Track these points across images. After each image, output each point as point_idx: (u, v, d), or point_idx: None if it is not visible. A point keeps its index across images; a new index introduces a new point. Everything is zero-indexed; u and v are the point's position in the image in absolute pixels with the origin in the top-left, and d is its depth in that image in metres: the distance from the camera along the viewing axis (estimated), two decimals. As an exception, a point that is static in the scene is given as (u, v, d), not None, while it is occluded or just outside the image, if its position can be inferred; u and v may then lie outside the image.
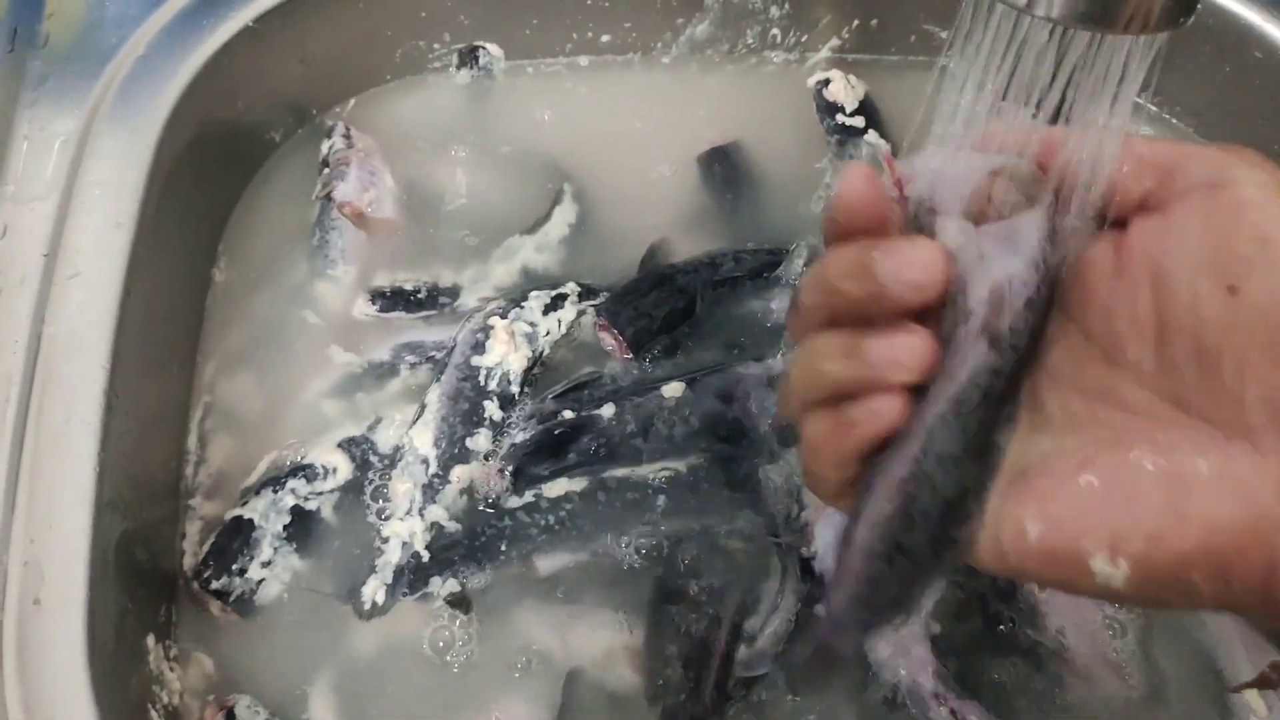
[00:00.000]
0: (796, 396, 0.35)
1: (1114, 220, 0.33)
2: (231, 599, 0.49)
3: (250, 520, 0.50)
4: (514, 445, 0.52)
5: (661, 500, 0.51)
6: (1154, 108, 0.68)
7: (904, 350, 0.32)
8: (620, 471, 0.52)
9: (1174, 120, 0.68)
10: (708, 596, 0.48)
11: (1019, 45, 0.34)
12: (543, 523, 0.50)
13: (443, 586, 0.49)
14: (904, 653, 0.46)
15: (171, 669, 0.47)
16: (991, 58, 0.34)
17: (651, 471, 0.52)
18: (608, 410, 0.53)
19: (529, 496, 0.51)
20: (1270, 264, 0.29)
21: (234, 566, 0.49)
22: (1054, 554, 0.31)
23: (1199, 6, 0.33)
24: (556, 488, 0.51)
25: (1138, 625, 0.50)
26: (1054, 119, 0.35)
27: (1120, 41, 0.33)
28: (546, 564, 0.50)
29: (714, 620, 0.47)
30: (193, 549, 0.51)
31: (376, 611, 0.49)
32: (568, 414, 0.53)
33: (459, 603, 0.49)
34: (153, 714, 0.44)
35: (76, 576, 0.42)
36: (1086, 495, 0.31)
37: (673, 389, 0.53)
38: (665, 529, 0.50)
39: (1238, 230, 0.30)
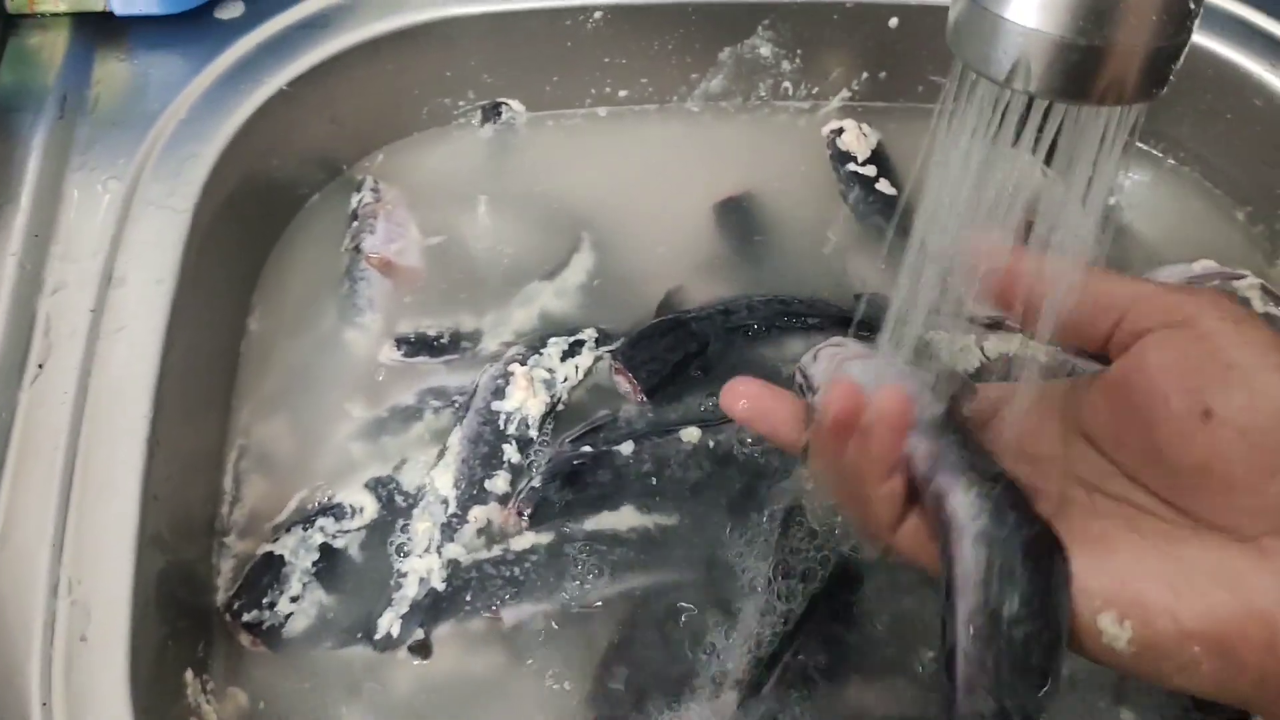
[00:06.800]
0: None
1: (1084, 353, 0.37)
2: (261, 631, 0.50)
3: (280, 556, 0.52)
4: (533, 488, 0.54)
5: (628, 554, 0.52)
6: (1159, 154, 0.69)
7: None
8: (588, 525, 0.53)
9: (1178, 165, 0.69)
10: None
11: (1001, 113, 0.36)
12: (507, 574, 0.51)
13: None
14: None
15: (208, 702, 0.49)
16: (979, 123, 0.36)
17: (621, 526, 0.53)
18: (627, 448, 0.55)
19: (496, 550, 0.52)
20: (1238, 386, 0.32)
21: (264, 600, 0.51)
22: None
23: (1173, 78, 0.35)
24: (523, 540, 0.52)
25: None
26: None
27: (1099, 111, 0.35)
28: (512, 615, 0.51)
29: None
30: (226, 585, 0.52)
31: (391, 644, 0.50)
32: (587, 448, 0.55)
33: (419, 649, 0.50)
34: (190, 746, 0.47)
35: (120, 614, 0.44)
36: (1100, 561, 0.33)
37: (690, 434, 0.55)
38: (630, 583, 0.52)
39: (1205, 359, 0.33)
